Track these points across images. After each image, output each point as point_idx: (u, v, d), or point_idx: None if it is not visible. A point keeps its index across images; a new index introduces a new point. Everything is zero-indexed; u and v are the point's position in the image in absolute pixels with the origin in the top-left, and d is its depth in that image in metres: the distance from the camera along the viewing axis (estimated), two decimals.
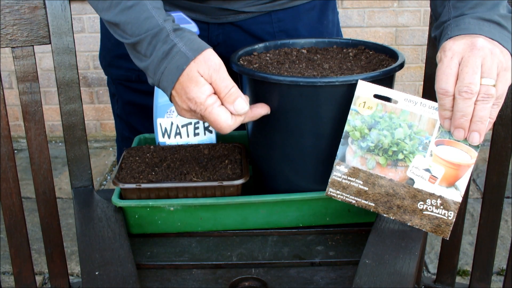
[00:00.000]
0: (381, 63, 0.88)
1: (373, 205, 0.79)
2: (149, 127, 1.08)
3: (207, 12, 1.06)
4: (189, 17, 0.93)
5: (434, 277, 1.13)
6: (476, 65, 0.71)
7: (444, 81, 0.72)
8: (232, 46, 1.09)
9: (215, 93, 0.76)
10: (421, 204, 0.77)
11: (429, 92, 1.03)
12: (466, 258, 1.95)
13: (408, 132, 0.76)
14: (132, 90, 1.16)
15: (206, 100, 0.75)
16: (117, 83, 1.18)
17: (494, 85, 0.71)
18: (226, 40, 1.11)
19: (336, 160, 0.79)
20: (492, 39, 0.73)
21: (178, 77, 0.75)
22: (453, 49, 0.73)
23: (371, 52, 0.94)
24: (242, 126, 0.97)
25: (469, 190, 1.08)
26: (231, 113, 0.76)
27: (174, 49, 0.76)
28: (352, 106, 0.77)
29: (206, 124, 0.98)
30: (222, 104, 0.76)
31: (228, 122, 0.76)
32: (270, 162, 0.88)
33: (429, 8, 0.90)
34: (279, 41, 0.97)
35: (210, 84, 0.75)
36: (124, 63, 1.13)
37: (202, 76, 0.75)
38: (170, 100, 0.79)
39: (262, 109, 0.80)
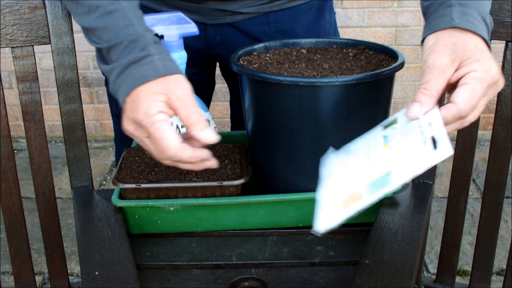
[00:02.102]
0: (381, 63, 0.88)
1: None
2: None
3: (204, 13, 1.06)
4: None
5: (434, 277, 1.13)
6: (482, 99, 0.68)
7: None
8: (229, 47, 1.09)
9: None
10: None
11: None
12: (466, 258, 1.95)
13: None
14: None
15: (156, 114, 0.68)
16: None
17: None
18: (223, 41, 1.11)
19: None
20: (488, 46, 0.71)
21: (139, 85, 0.69)
22: (465, 50, 0.67)
23: (371, 52, 0.94)
24: (242, 126, 0.97)
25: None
26: (198, 140, 0.69)
27: (147, 58, 0.71)
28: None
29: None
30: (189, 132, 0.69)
31: (174, 144, 0.67)
32: (270, 162, 0.88)
33: None
34: (279, 41, 0.97)
35: (174, 110, 0.69)
36: None
37: (165, 95, 0.68)
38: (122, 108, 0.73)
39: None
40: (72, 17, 0.97)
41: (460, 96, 0.66)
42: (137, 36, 0.73)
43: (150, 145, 0.70)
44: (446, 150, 0.62)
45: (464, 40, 0.68)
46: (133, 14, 0.75)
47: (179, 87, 0.69)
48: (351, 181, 0.68)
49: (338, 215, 0.65)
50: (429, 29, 0.72)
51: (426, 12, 0.76)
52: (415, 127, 0.68)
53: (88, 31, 0.79)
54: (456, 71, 0.68)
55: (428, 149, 0.64)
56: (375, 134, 0.73)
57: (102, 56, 0.78)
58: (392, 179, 0.64)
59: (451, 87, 0.69)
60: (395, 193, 0.91)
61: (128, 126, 0.71)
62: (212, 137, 0.69)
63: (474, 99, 0.66)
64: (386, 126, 0.72)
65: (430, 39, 0.70)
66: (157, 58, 0.71)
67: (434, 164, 0.63)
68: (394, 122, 0.71)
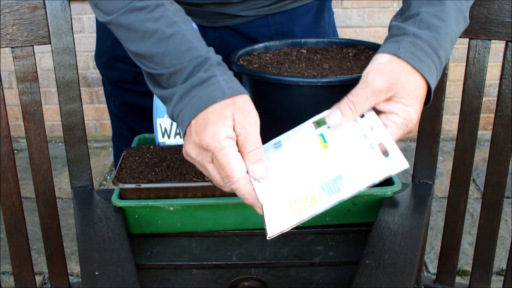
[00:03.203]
0: None
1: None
2: (147, 126, 1.08)
3: (203, 16, 1.06)
4: None
5: (434, 277, 1.13)
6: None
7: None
8: (228, 50, 1.09)
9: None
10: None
11: None
12: (466, 258, 1.95)
13: None
14: (129, 91, 1.16)
15: (225, 139, 0.65)
16: (113, 85, 1.18)
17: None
18: (222, 43, 1.10)
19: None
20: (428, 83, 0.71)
21: (207, 107, 0.66)
22: (399, 84, 0.68)
23: (371, 52, 0.94)
24: None
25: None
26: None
27: (211, 80, 0.68)
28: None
29: None
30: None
31: (241, 172, 0.65)
32: None
33: None
34: (279, 41, 0.97)
35: (237, 135, 0.66)
36: (120, 64, 1.13)
37: (232, 120, 0.66)
38: (184, 134, 0.69)
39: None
40: (72, 16, 0.97)
41: None
42: (202, 58, 0.70)
43: (212, 170, 0.67)
44: (401, 162, 0.62)
45: (410, 80, 0.68)
46: (192, 36, 0.72)
47: (247, 114, 0.66)
48: (295, 182, 0.65)
49: (290, 218, 0.62)
50: (380, 48, 0.72)
51: (388, 31, 0.77)
52: (355, 129, 0.67)
53: (142, 58, 0.75)
54: (385, 99, 0.68)
55: (378, 156, 0.63)
56: (308, 132, 0.70)
57: (156, 80, 0.75)
58: (344, 186, 0.62)
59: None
60: (395, 193, 0.91)
61: (191, 151, 0.68)
62: (261, 174, 0.66)
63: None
64: (317, 123, 0.70)
65: (384, 57, 0.70)
66: (222, 79, 0.69)
67: (390, 175, 0.62)
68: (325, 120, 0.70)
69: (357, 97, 0.67)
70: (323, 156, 0.66)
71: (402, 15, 0.76)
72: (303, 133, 0.71)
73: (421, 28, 0.71)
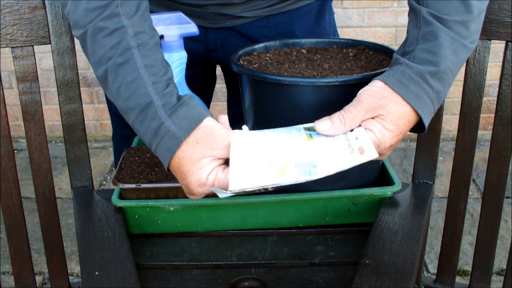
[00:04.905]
0: (381, 63, 0.88)
1: None
2: None
3: (204, 17, 1.06)
4: None
5: (434, 277, 1.13)
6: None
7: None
8: (230, 50, 1.09)
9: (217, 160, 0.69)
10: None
11: None
12: (466, 258, 1.95)
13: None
14: None
15: (208, 178, 0.68)
16: None
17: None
18: (224, 44, 1.10)
19: None
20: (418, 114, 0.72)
21: (171, 158, 0.69)
22: (388, 109, 0.71)
23: (370, 52, 0.94)
24: (239, 125, 0.97)
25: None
26: None
27: (161, 129, 0.69)
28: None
29: None
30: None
31: None
32: None
33: None
34: (279, 41, 0.97)
35: (218, 159, 0.69)
36: None
37: (206, 156, 0.68)
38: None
39: None
40: None
41: None
42: (147, 102, 0.70)
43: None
44: (370, 153, 0.68)
45: (398, 109, 0.71)
46: (142, 64, 0.71)
47: (214, 139, 0.68)
48: (271, 150, 0.68)
49: (255, 179, 0.66)
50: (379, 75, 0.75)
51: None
52: (342, 140, 0.71)
53: (100, 80, 0.75)
54: (370, 118, 0.71)
55: (356, 155, 0.69)
56: (297, 128, 0.74)
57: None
58: (316, 171, 0.67)
59: None
60: (395, 193, 0.91)
61: (191, 195, 0.72)
62: None
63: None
64: (308, 129, 0.74)
65: (379, 83, 0.72)
66: (170, 124, 0.69)
67: (359, 163, 0.68)
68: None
69: (348, 112, 0.71)
70: (306, 145, 0.70)
71: (403, 47, 0.78)
72: (292, 128, 0.74)
73: (414, 62, 0.73)
